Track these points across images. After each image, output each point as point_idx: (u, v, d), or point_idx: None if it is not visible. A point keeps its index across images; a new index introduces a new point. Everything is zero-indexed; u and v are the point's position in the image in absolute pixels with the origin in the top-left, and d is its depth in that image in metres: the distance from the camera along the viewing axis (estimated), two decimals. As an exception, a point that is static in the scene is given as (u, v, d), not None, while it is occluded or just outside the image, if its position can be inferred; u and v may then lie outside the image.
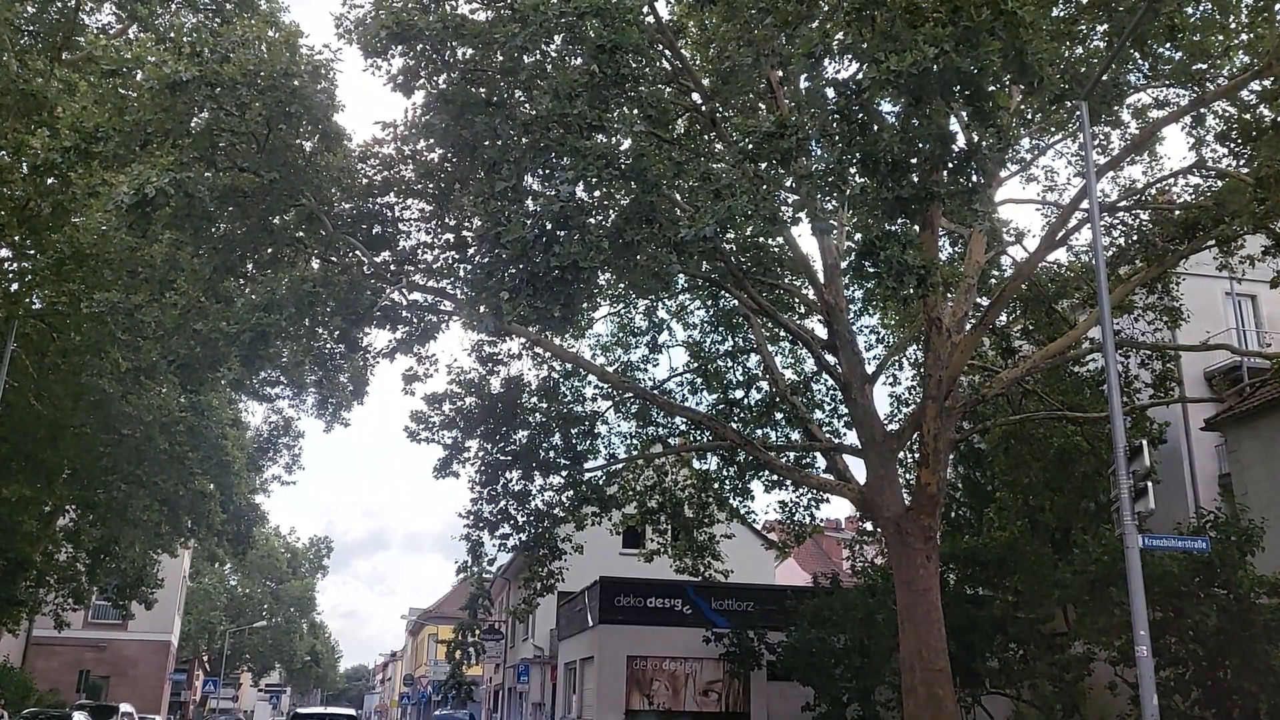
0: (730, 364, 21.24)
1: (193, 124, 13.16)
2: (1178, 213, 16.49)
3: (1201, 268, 19.11)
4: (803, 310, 19.40)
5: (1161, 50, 14.70)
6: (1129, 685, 15.30)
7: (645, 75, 12.67)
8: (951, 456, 19.07)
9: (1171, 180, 17.72)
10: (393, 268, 14.89)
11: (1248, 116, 15.31)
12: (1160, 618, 14.57)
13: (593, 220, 12.14)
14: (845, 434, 20.27)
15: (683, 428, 20.79)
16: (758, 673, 23.30)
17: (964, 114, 11.95)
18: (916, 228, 13.82)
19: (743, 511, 22.44)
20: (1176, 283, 18.84)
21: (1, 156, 17.76)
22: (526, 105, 12.94)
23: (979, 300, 17.48)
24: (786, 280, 19.02)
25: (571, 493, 19.39)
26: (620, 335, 21.69)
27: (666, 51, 14.62)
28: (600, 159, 11.34)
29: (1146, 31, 13.52)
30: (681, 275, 16.79)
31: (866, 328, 22.12)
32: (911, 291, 11.12)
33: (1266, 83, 14.60)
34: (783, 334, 19.85)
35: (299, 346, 15.28)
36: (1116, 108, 15.79)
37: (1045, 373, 18.29)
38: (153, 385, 21.36)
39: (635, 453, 20.74)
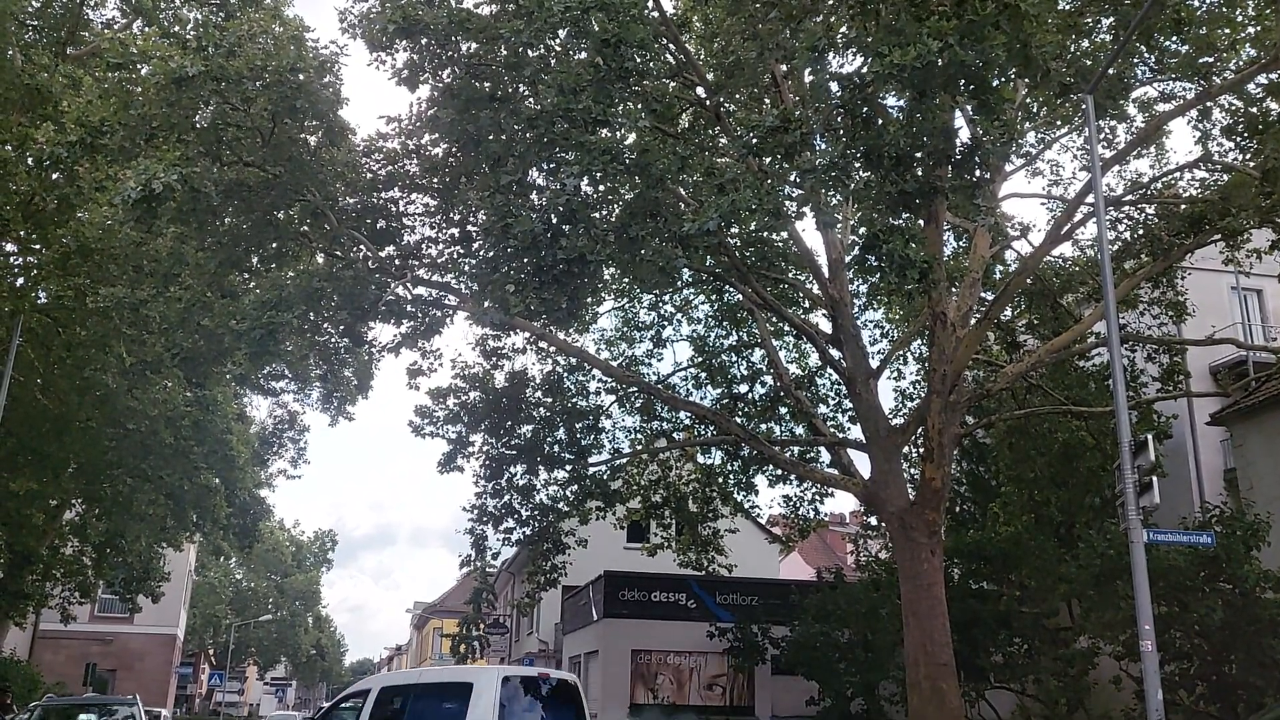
0: (734, 359, 21.24)
1: (198, 119, 13.17)
2: (1183, 207, 16.43)
3: (1207, 262, 19.01)
4: (807, 305, 19.40)
5: (1167, 43, 14.64)
6: (1134, 680, 15.29)
7: (650, 70, 12.67)
8: (956, 451, 19.05)
9: (1177, 174, 17.66)
10: (397, 262, 14.91)
11: (1254, 110, 15.25)
12: (1165, 612, 14.54)
13: (598, 214, 12.14)
14: (850, 429, 20.29)
15: (687, 422, 20.81)
16: (762, 667, 23.32)
17: (968, 108, 11.93)
18: (921, 222, 13.82)
19: (747, 506, 22.47)
20: (1182, 277, 18.79)
21: (6, 151, 17.78)
22: (531, 100, 12.94)
23: (984, 295, 17.45)
24: (791, 275, 19.01)
25: (576, 487, 19.43)
26: (625, 330, 21.71)
27: (671, 46, 14.60)
28: (605, 154, 11.35)
29: (1152, 24, 13.47)
30: (686, 270, 16.79)
31: (871, 322, 22.13)
32: (914, 286, 11.11)
33: (1273, 76, 14.54)
34: (787, 329, 19.85)
35: (304, 341, 15.32)
36: (1122, 101, 15.73)
37: (1050, 367, 18.25)
38: (158, 380, 21.40)
39: (639, 447, 20.76)
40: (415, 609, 76.64)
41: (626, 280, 19.04)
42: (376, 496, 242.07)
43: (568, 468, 19.16)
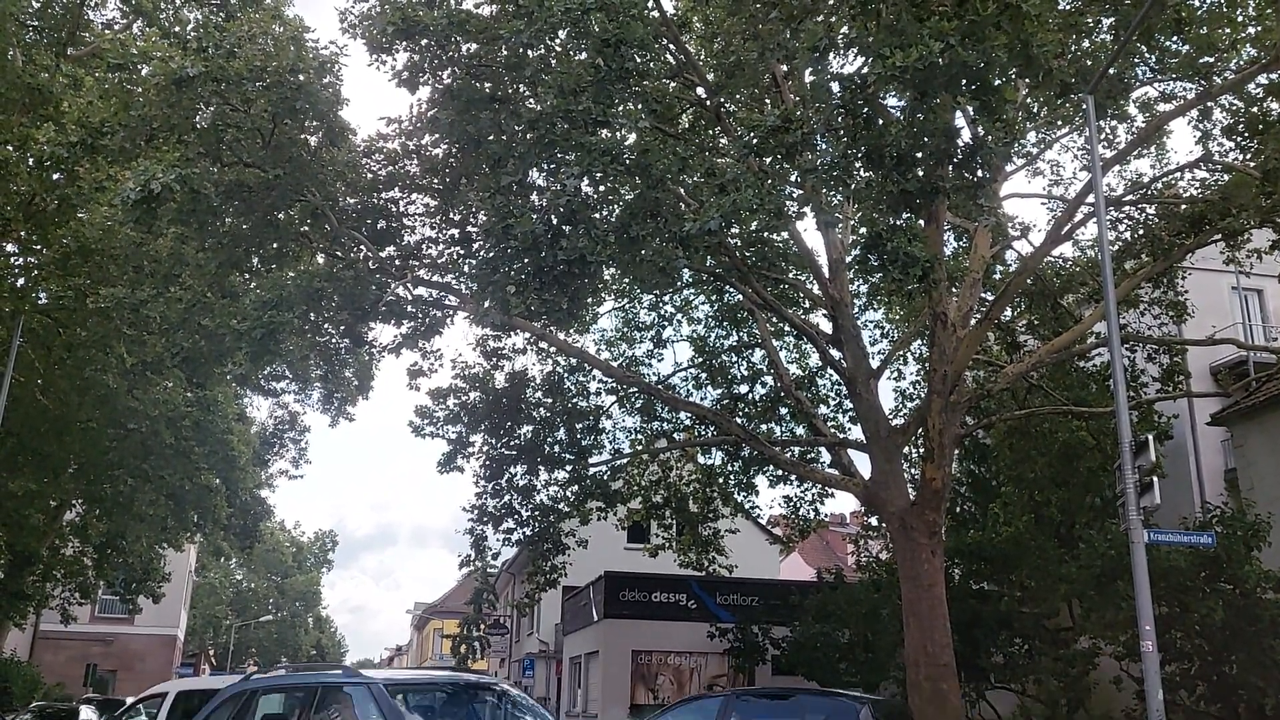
0: (735, 359, 21.24)
1: (198, 119, 13.19)
2: (1184, 207, 16.43)
3: (1208, 262, 18.99)
4: (807, 305, 19.39)
5: (1168, 43, 14.64)
6: (1134, 680, 15.27)
7: (650, 70, 12.66)
8: (956, 451, 19.04)
9: (1178, 174, 17.64)
10: (398, 263, 14.91)
11: (1255, 110, 15.23)
12: (1166, 613, 14.52)
13: (598, 215, 12.14)
14: (850, 429, 20.28)
15: (687, 423, 20.80)
16: (762, 668, 23.31)
17: (969, 108, 11.91)
18: (921, 222, 13.80)
19: (747, 506, 22.47)
20: (1182, 277, 18.78)
21: (7, 151, 17.79)
22: (531, 100, 12.94)
23: (984, 295, 17.44)
24: (791, 275, 19.00)
25: (576, 487, 19.42)
26: (625, 330, 21.71)
27: (671, 46, 14.59)
28: (605, 154, 11.34)
29: (1153, 24, 13.46)
30: (686, 270, 16.79)
31: (871, 322, 22.13)
32: (916, 284, 11.11)
33: (1273, 76, 14.52)
34: (787, 329, 19.85)
35: (304, 341, 15.32)
36: (1123, 101, 15.73)
37: (1050, 367, 18.24)
38: (158, 380, 21.42)
39: (640, 448, 20.75)
40: (416, 609, 76.62)
41: (627, 280, 19.04)
42: (377, 497, 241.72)
43: (568, 468, 19.16)
